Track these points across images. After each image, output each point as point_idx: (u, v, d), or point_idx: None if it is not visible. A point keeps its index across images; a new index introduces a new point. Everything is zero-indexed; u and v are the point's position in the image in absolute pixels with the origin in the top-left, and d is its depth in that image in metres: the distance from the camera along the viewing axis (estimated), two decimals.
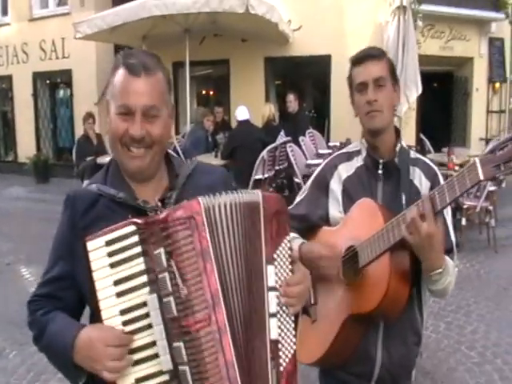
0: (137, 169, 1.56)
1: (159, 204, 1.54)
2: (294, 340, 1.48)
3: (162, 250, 1.36)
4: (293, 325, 1.48)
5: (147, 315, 1.39)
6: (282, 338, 1.45)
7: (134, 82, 1.51)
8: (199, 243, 1.36)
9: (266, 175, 8.93)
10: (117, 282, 1.40)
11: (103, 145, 10.26)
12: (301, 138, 9.29)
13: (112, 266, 1.40)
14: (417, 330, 2.15)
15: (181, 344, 1.34)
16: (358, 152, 2.19)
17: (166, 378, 1.37)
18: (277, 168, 9.39)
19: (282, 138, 9.55)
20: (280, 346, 1.44)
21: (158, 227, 1.38)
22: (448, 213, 2.07)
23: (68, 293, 1.58)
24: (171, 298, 1.35)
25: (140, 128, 1.51)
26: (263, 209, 1.46)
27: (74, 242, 1.52)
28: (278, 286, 1.46)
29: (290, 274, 1.49)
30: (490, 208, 7.59)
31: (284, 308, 1.46)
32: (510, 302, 5.82)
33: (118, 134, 1.53)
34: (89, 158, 9.65)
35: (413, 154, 2.17)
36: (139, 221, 1.41)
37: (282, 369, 1.44)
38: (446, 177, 6.53)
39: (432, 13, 9.87)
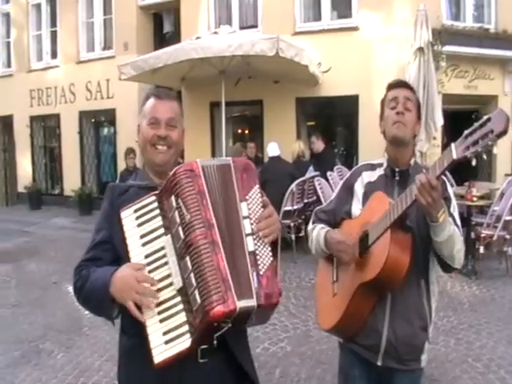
0: (161, 161, 2.18)
1: None
2: (269, 254, 1.96)
3: (172, 197, 1.93)
4: (268, 246, 1.97)
5: (164, 255, 1.93)
6: (259, 251, 1.94)
7: (160, 103, 2.21)
8: (198, 186, 1.92)
9: (296, 207, 9.40)
10: (142, 236, 1.97)
11: None
12: (329, 173, 9.74)
13: (139, 225, 1.99)
14: (423, 315, 2.51)
15: (187, 259, 1.85)
16: (381, 164, 2.66)
17: (178, 299, 1.87)
18: (306, 201, 9.85)
19: (310, 172, 10.06)
20: (258, 257, 1.93)
21: (169, 183, 1.94)
22: (454, 209, 2.50)
23: (107, 254, 2.11)
24: (179, 227, 1.89)
25: (165, 131, 2.17)
26: (233, 167, 2.02)
27: (112, 215, 2.10)
28: (250, 215, 1.98)
29: (262, 209, 2.02)
30: (507, 237, 7.89)
31: (259, 233, 1.96)
32: None
33: (148, 137, 2.17)
34: None
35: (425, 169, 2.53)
36: (157, 192, 2.01)
37: (261, 272, 1.91)
38: (467, 207, 6.84)
39: (455, 53, 10.24)
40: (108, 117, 15.16)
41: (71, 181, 15.60)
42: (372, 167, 2.70)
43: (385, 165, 2.64)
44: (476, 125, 1.91)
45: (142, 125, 2.21)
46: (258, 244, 1.96)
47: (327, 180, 9.57)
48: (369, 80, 10.57)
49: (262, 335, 5.78)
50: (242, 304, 1.81)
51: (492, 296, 7.12)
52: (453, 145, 1.99)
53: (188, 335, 1.83)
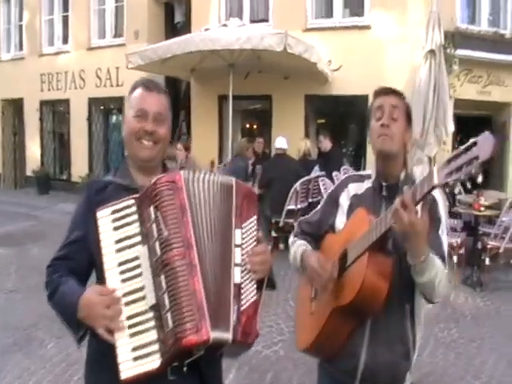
0: (146, 157, 2.07)
1: None
2: (254, 291, 1.89)
3: (152, 207, 1.82)
4: (254, 282, 1.90)
5: (139, 266, 1.82)
6: (245, 286, 1.87)
7: (149, 94, 2.07)
8: (179, 200, 1.82)
9: (299, 206, 9.28)
10: (117, 241, 1.85)
11: None
12: (334, 173, 9.61)
13: (115, 229, 1.87)
14: (405, 341, 2.31)
15: (162, 277, 1.75)
16: (369, 176, 2.48)
17: (150, 314, 1.76)
18: (310, 200, 9.72)
19: (316, 172, 9.95)
20: (242, 291, 1.85)
21: (150, 191, 1.84)
22: (443, 232, 2.32)
23: (80, 255, 2.01)
24: (156, 242, 1.79)
25: (151, 125, 2.04)
26: (235, 189, 1.95)
27: (88, 214, 1.97)
28: (243, 244, 1.91)
29: (255, 242, 1.95)
30: None
31: (248, 265, 1.89)
32: None
33: (134, 130, 2.05)
34: None
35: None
36: (136, 195, 1.89)
37: (242, 308, 1.84)
38: (475, 217, 6.67)
39: (469, 58, 10.06)
40: (117, 105, 15.06)
41: (79, 167, 15.60)
42: (360, 178, 2.53)
43: (373, 177, 2.47)
44: (461, 148, 1.75)
45: (128, 116, 2.08)
46: (245, 277, 1.88)
47: (333, 180, 9.42)
48: (379, 80, 10.14)
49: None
50: (215, 335, 1.72)
51: (497, 309, 6.88)
52: (435, 169, 1.83)
53: (158, 355, 1.73)
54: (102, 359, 1.90)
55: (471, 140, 1.72)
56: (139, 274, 1.81)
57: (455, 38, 9.79)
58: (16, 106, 17.50)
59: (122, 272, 1.82)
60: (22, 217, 12.52)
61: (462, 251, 7.96)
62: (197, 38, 9.53)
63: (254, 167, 10.58)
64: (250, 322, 1.84)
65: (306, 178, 9.36)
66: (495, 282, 7.83)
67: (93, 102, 15.38)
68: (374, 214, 2.28)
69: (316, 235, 2.60)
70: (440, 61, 8.31)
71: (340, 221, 2.47)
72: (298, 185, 9.06)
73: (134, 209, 1.87)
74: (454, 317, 6.47)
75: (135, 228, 1.85)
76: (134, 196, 1.89)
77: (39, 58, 16.44)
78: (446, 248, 2.30)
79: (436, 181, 1.81)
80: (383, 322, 2.27)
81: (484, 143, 1.68)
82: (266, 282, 1.98)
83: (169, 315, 1.71)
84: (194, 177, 1.90)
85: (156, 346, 1.73)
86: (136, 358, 1.73)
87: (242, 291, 1.86)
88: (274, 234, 9.30)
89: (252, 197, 2.00)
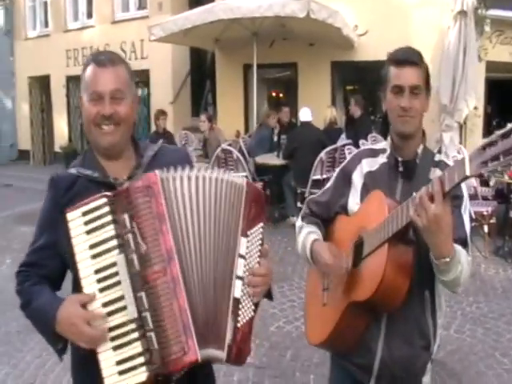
0: (108, 144, 1.84)
1: (127, 180, 1.84)
2: (252, 309, 1.75)
3: (126, 215, 1.64)
4: (253, 298, 1.75)
5: (117, 273, 1.64)
6: (244, 301, 1.72)
7: (102, 72, 1.81)
8: (156, 208, 1.64)
9: (325, 176, 9.06)
10: (92, 246, 1.66)
11: (173, 141, 10.79)
12: (361, 142, 9.36)
13: (88, 232, 1.67)
14: (425, 333, 2.14)
15: (143, 293, 1.60)
16: (384, 150, 2.25)
17: (133, 326, 1.62)
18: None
19: (342, 140, 9.71)
20: (240, 306, 1.71)
21: (123, 197, 1.66)
22: (466, 210, 2.10)
23: (51, 261, 1.85)
24: (134, 255, 1.62)
25: (109, 107, 1.79)
26: (246, 192, 1.77)
27: (57, 216, 1.77)
28: (247, 256, 1.74)
29: (259, 256, 1.79)
30: None
31: (249, 283, 1.74)
32: None
33: (91, 116, 1.81)
34: None
35: (437, 157, 2.22)
36: (109, 193, 1.68)
37: (239, 325, 1.69)
38: (507, 185, 6.41)
39: (501, 18, 9.63)
40: (142, 78, 14.91)
41: None
42: (374, 153, 2.29)
43: (388, 152, 2.23)
44: (498, 134, 1.53)
45: (83, 100, 1.84)
46: (245, 292, 1.73)
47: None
48: (407, 44, 9.93)
49: (279, 312, 5.61)
50: (206, 353, 1.60)
51: None
52: (467, 157, 1.62)
53: (144, 368, 1.60)
54: (86, 364, 1.74)
55: (510, 125, 1.50)
56: (118, 283, 1.64)
57: None
58: (43, 83, 17.53)
59: (100, 280, 1.65)
60: None
61: (493, 220, 7.61)
62: (217, 7, 9.40)
63: (279, 137, 10.41)
64: (244, 341, 1.71)
65: (332, 146, 9.13)
66: None
67: None
68: (390, 193, 2.09)
69: (326, 217, 2.39)
70: (470, 22, 7.93)
71: (353, 202, 2.25)
72: (323, 154, 8.87)
73: (106, 209, 1.67)
74: (483, 290, 6.22)
75: (110, 231, 1.67)
76: (106, 194, 1.69)
77: (64, 34, 16.39)
78: (468, 229, 2.09)
79: (468, 171, 1.60)
80: (401, 312, 2.06)
81: None
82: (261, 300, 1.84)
83: (153, 335, 1.59)
84: (172, 174, 1.70)
85: (141, 359, 1.60)
86: (121, 372, 1.61)
87: (241, 306, 1.71)
88: (299, 204, 9.14)
89: (260, 201, 1.81)
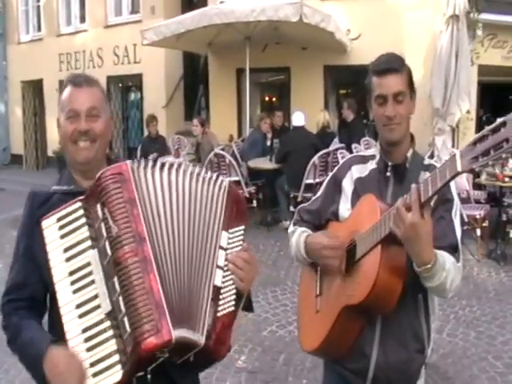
0: (84, 159, 1.88)
1: None
2: (232, 303, 1.75)
3: (98, 205, 1.67)
4: (234, 292, 1.76)
5: (91, 272, 1.65)
6: (225, 292, 1.74)
7: (78, 91, 1.89)
8: (127, 193, 1.66)
9: (318, 180, 9.07)
10: (66, 249, 1.69)
11: (166, 145, 10.82)
12: (354, 146, 9.37)
13: (62, 236, 1.70)
14: (419, 336, 2.14)
15: (115, 279, 1.59)
16: (373, 156, 2.27)
17: (107, 323, 1.61)
18: (329, 174, 9.50)
19: (335, 144, 9.73)
20: (221, 296, 1.72)
21: (95, 188, 1.69)
22: (456, 214, 2.09)
23: (35, 277, 1.83)
24: (106, 242, 1.63)
25: (85, 124, 1.85)
26: (227, 190, 1.83)
27: (33, 228, 1.81)
28: (228, 249, 1.78)
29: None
30: None
31: (230, 272, 1.76)
32: None
33: (68, 134, 1.87)
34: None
35: (426, 161, 2.24)
36: (82, 197, 1.73)
37: (219, 314, 1.70)
38: (500, 188, 6.40)
39: (493, 22, 9.64)
40: (135, 82, 15.03)
41: None
42: (363, 159, 2.31)
43: (377, 157, 2.25)
44: (487, 129, 1.54)
45: (61, 119, 1.90)
46: (227, 283, 1.75)
47: (352, 153, 9.18)
48: (400, 48, 9.76)
49: (272, 317, 5.60)
50: (181, 333, 1.57)
51: None
52: (458, 153, 1.62)
53: (119, 366, 1.57)
54: None
55: (499, 119, 1.49)
56: (92, 282, 1.65)
57: (479, 2, 9.35)
58: (36, 88, 17.48)
59: (73, 282, 1.66)
60: None
61: (485, 224, 7.64)
62: (210, 11, 9.39)
63: (272, 141, 10.41)
64: (225, 332, 1.71)
65: (325, 150, 9.15)
66: None
67: (111, 80, 15.18)
68: (380, 198, 2.09)
69: (317, 224, 2.39)
70: (462, 26, 7.96)
71: (344, 208, 2.26)
72: (316, 158, 8.87)
73: (80, 212, 1.71)
74: (476, 293, 6.22)
75: (84, 232, 1.70)
76: (80, 198, 1.73)
77: (57, 38, 16.37)
78: (459, 234, 2.08)
79: (460, 167, 1.60)
80: (395, 316, 2.05)
81: None
82: (244, 298, 1.83)
83: (125, 319, 1.56)
84: (142, 164, 1.74)
85: (116, 357, 1.58)
86: (95, 374, 1.58)
87: (221, 296, 1.72)
88: (292, 208, 9.15)
89: (242, 203, 1.88)
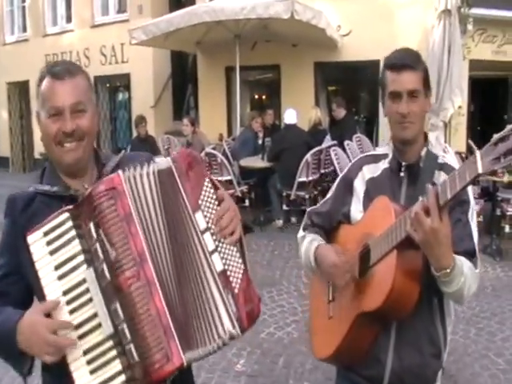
0: (72, 161, 1.70)
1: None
2: (240, 262, 1.63)
3: (91, 224, 1.53)
4: (235, 250, 1.64)
5: (87, 290, 1.53)
6: (229, 266, 1.60)
7: (60, 84, 1.66)
8: (122, 209, 1.53)
9: (311, 178, 9.02)
10: (57, 267, 1.54)
11: (156, 145, 10.74)
12: (346, 143, 9.31)
13: (51, 253, 1.55)
14: (436, 341, 2.08)
15: (117, 304, 1.49)
16: (386, 155, 2.18)
17: (110, 343, 1.50)
18: (322, 171, 9.49)
19: (327, 141, 9.68)
20: (228, 273, 1.59)
21: (86, 205, 1.55)
22: (473, 217, 2.03)
23: (15, 287, 1.70)
24: (104, 265, 1.51)
25: (70, 123, 1.65)
26: (175, 169, 1.63)
27: (17, 238, 1.64)
28: (210, 226, 1.61)
29: (218, 207, 1.65)
30: None
31: (222, 240, 1.62)
32: None
33: (51, 135, 1.67)
34: None
35: (441, 159, 2.13)
36: (70, 207, 1.57)
37: (236, 291, 1.58)
38: (493, 183, 6.38)
39: (483, 17, 9.63)
40: (123, 82, 14.89)
41: None
42: (375, 159, 2.22)
43: (390, 156, 2.16)
44: (508, 128, 1.46)
45: (41, 116, 1.70)
46: (226, 256, 1.61)
47: (344, 150, 9.14)
48: (391, 44, 9.68)
49: (269, 318, 5.51)
50: (191, 356, 1.51)
51: None
52: (478, 154, 1.53)
53: None
54: None
55: None
56: (89, 300, 1.53)
57: None
58: (22, 89, 17.22)
59: (69, 302, 1.53)
60: None
61: (479, 219, 7.54)
62: (200, 9, 9.34)
63: (263, 140, 10.34)
64: (248, 297, 1.60)
65: (318, 148, 9.07)
66: None
67: (98, 80, 14.96)
68: (393, 198, 2.01)
69: (328, 227, 2.30)
70: (454, 21, 7.92)
71: (356, 210, 2.17)
72: (308, 156, 8.79)
73: (69, 224, 1.55)
74: None
75: (76, 246, 1.55)
76: (68, 208, 1.57)
77: (43, 39, 16.17)
78: (476, 238, 2.01)
79: (481, 169, 1.51)
80: (410, 320, 1.98)
81: None
82: (243, 235, 1.71)
83: (132, 347, 1.48)
84: (133, 172, 1.59)
85: (122, 377, 1.49)
86: None
87: (228, 273, 1.59)
88: (285, 207, 9.10)
89: (195, 162, 1.66)
